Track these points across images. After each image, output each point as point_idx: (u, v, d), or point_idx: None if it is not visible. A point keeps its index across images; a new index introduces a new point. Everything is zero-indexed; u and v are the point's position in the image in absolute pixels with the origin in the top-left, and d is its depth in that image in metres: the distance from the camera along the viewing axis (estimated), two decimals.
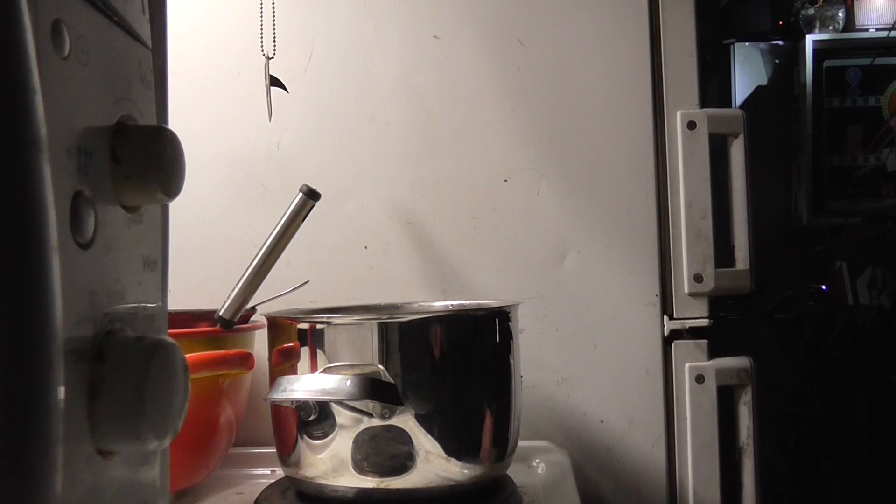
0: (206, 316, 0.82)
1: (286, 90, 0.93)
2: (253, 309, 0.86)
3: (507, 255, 0.98)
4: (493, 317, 0.72)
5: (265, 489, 0.75)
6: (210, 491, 0.82)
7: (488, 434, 0.70)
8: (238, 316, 0.81)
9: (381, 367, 0.65)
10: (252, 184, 1.00)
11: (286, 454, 0.71)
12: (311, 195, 0.81)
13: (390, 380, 0.65)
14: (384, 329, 0.66)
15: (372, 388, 0.64)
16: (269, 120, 0.91)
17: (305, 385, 0.65)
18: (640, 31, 0.98)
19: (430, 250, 0.98)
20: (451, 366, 0.69)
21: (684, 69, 0.96)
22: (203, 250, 0.99)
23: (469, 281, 0.98)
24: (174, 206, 0.34)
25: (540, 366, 0.95)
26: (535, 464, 0.87)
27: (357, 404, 0.65)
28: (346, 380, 0.64)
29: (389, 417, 0.65)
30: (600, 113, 0.98)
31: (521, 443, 0.75)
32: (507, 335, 0.73)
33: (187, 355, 0.31)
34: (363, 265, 0.98)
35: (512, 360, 0.73)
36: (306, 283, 0.90)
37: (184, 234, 0.96)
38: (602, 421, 0.96)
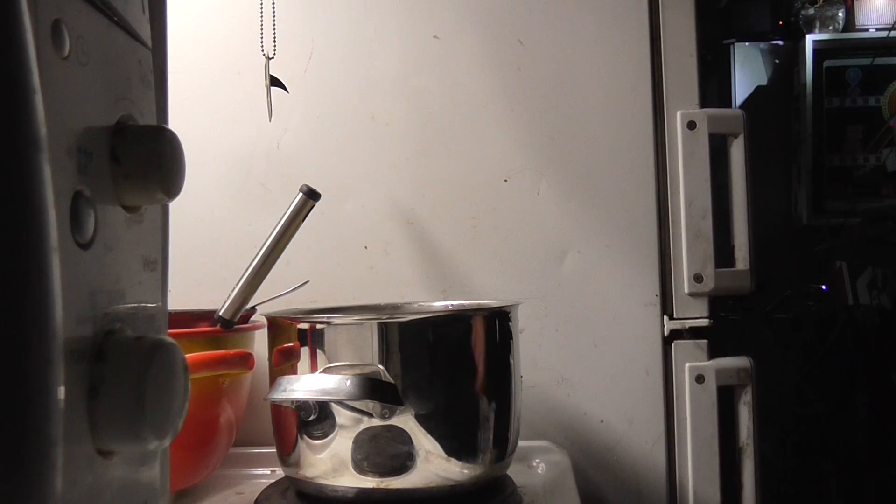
0: (206, 316, 0.82)
1: (286, 90, 0.93)
2: (253, 309, 0.86)
3: (507, 255, 0.98)
4: (493, 317, 0.72)
5: (265, 489, 0.75)
6: (210, 491, 0.82)
7: (488, 434, 0.70)
8: (238, 316, 0.81)
9: (381, 367, 0.65)
10: (252, 184, 1.00)
11: (286, 454, 0.71)
12: (311, 195, 0.81)
13: (390, 380, 0.65)
14: (384, 329, 0.66)
15: (372, 388, 0.64)
16: (269, 120, 0.91)
17: (305, 385, 0.65)
18: (640, 31, 0.98)
19: (430, 250, 0.98)
20: (451, 366, 0.69)
21: (684, 69, 0.96)
22: (203, 250, 0.99)
23: (469, 281, 0.98)
24: (174, 205, 0.34)
25: (540, 366, 0.96)
26: (535, 464, 0.87)
27: (357, 404, 0.65)
28: (346, 380, 0.64)
29: (389, 417, 0.65)
30: (600, 113, 0.98)
31: (521, 443, 0.75)
32: (507, 335, 0.73)
33: (187, 355, 0.31)
34: (363, 265, 0.98)
35: (512, 360, 0.73)
36: (306, 283, 0.90)
37: (184, 233, 0.96)
38: (602, 421, 0.96)
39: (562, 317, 0.97)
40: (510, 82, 0.99)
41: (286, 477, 0.73)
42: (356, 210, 0.99)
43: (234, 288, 0.81)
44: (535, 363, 0.94)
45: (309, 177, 0.87)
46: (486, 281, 0.97)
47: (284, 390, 0.65)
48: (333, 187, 0.95)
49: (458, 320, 0.72)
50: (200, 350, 0.75)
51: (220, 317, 0.80)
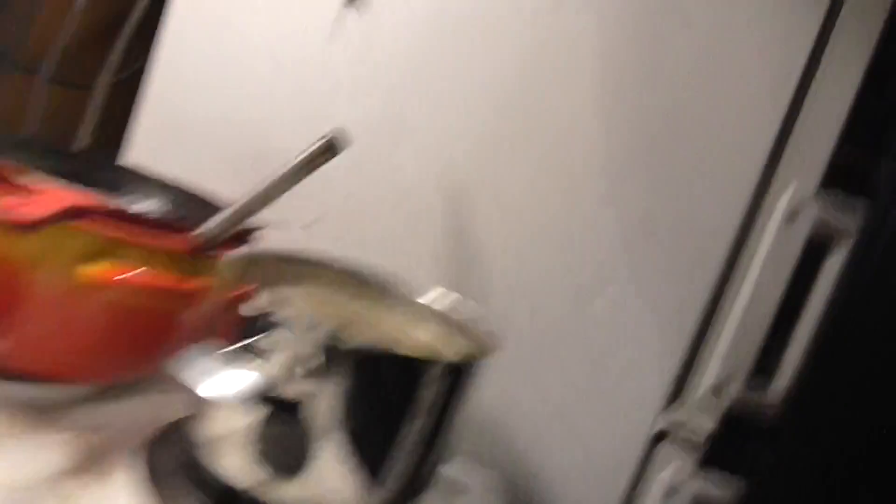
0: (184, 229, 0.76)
1: None
2: (248, 233, 0.80)
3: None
4: (452, 371, 0.63)
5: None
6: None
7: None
8: (223, 240, 0.75)
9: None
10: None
11: None
12: (333, 145, 0.72)
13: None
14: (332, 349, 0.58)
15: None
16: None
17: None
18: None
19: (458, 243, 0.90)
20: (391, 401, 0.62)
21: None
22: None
23: (482, 279, 0.89)
24: None
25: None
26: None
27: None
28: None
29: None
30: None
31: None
32: (460, 391, 0.64)
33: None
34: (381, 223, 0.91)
35: (452, 414, 0.64)
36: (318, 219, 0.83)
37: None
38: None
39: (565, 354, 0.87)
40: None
41: None
42: (404, 160, 0.90)
43: (225, 210, 0.75)
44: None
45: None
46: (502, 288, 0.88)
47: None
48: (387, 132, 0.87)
49: (401, 363, 0.63)
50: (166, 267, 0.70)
51: (200, 237, 0.74)
